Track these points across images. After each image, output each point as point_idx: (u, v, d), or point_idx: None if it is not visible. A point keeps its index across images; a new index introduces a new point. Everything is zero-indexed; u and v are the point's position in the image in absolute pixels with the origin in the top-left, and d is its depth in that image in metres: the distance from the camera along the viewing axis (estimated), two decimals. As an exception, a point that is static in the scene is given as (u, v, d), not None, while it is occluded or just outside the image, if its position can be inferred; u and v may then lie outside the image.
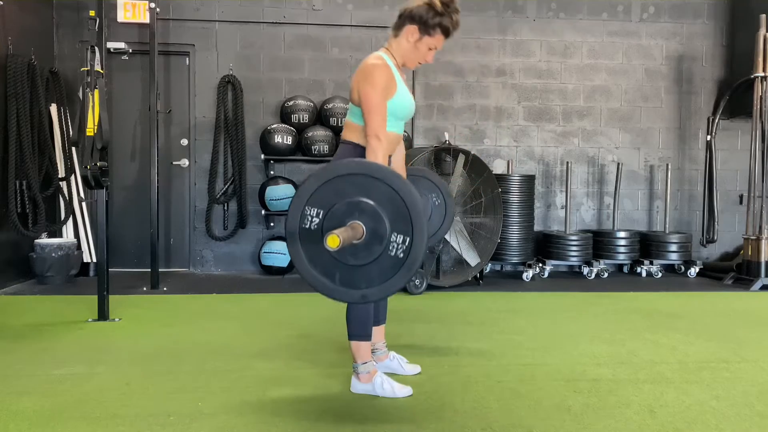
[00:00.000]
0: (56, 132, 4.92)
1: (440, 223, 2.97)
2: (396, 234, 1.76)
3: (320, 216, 1.80)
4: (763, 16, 5.05)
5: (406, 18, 2.30)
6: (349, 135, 2.33)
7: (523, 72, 5.73)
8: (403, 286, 1.78)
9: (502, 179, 5.09)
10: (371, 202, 1.78)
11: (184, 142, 5.50)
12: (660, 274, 5.41)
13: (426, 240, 1.75)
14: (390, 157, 2.38)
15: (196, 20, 5.40)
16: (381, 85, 2.19)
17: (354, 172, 1.79)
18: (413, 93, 5.57)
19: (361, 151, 2.27)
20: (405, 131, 5.33)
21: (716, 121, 5.68)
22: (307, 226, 1.81)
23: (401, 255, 1.76)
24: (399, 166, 2.56)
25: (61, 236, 5.06)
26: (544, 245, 5.51)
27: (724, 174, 5.86)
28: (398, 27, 2.33)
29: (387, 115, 2.22)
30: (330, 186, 1.80)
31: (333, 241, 1.61)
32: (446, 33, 2.30)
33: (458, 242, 4.66)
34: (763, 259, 4.97)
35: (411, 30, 2.29)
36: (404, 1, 2.34)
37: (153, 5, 4.67)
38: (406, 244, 1.76)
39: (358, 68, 2.27)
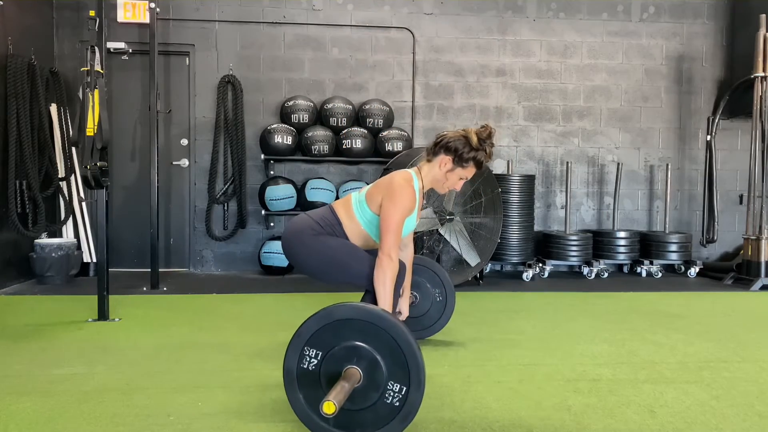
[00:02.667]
0: (56, 132, 4.92)
1: (437, 318, 3.09)
2: (393, 383, 1.78)
3: (319, 358, 1.82)
4: (763, 16, 5.05)
5: (441, 147, 2.38)
6: (341, 212, 2.41)
7: (523, 72, 5.73)
8: None
9: (502, 179, 5.09)
10: (370, 349, 1.79)
11: (184, 142, 5.50)
12: (660, 274, 5.41)
13: (423, 391, 1.77)
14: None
15: (196, 20, 5.40)
16: (405, 208, 2.28)
17: (355, 317, 1.81)
18: (413, 93, 5.57)
19: (341, 231, 2.38)
20: (405, 131, 5.34)
21: (716, 121, 5.69)
22: (306, 367, 1.83)
23: (397, 403, 1.78)
24: (406, 266, 2.66)
25: (61, 236, 5.06)
26: (544, 245, 5.51)
27: (724, 174, 5.86)
28: (433, 154, 2.41)
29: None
30: (330, 328, 1.82)
31: (329, 407, 1.63)
32: (479, 166, 2.39)
33: (458, 242, 4.66)
34: (763, 259, 4.97)
35: (445, 160, 2.37)
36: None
37: (153, 5, 4.67)
38: (403, 393, 1.77)
39: (386, 181, 2.35)
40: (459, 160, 2.35)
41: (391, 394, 1.78)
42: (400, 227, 2.26)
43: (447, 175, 2.39)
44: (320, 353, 1.82)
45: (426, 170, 2.42)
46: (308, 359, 1.83)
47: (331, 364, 1.81)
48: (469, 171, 2.39)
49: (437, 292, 3.08)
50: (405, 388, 1.77)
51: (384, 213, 2.27)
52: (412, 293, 2.97)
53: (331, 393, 1.67)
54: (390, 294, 2.22)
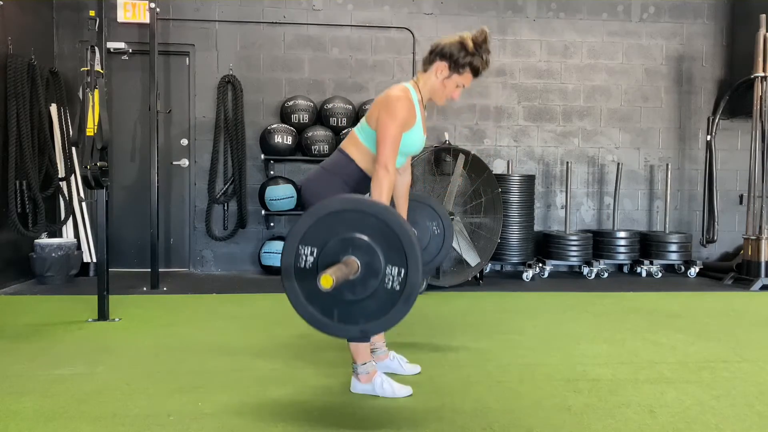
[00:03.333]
0: (56, 132, 4.92)
1: (437, 251, 3.00)
2: (391, 266, 1.77)
3: (314, 254, 1.81)
4: (763, 16, 5.05)
5: (437, 54, 2.31)
6: (350, 148, 2.35)
7: (523, 72, 5.73)
8: (404, 317, 1.78)
9: (502, 179, 5.09)
10: (364, 237, 1.79)
11: (184, 142, 5.50)
12: (660, 274, 5.41)
13: (421, 269, 1.76)
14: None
15: (196, 20, 5.40)
16: (401, 119, 2.21)
17: (345, 209, 1.80)
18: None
19: (354, 167, 2.32)
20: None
21: (716, 121, 5.68)
22: (302, 265, 1.82)
23: (398, 287, 1.77)
24: (403, 192, 2.59)
25: (61, 236, 5.05)
26: (544, 245, 5.51)
27: (724, 174, 5.86)
28: (428, 62, 2.34)
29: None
30: (323, 223, 1.81)
31: (326, 281, 1.62)
32: (476, 73, 2.31)
33: (458, 242, 4.66)
34: (763, 259, 4.97)
35: (441, 67, 2.30)
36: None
37: (153, 5, 4.67)
38: (402, 275, 1.77)
39: (382, 96, 2.29)
40: (455, 66, 2.27)
41: (391, 278, 1.78)
42: (396, 138, 2.20)
43: (444, 83, 2.32)
44: (315, 249, 1.80)
45: (423, 80, 2.36)
46: (304, 257, 1.81)
47: (327, 258, 1.80)
48: (466, 78, 2.31)
49: (434, 225, 3.00)
50: (403, 270, 1.77)
51: (380, 125, 2.21)
52: None
53: (328, 270, 1.66)
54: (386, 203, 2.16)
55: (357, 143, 2.34)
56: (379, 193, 2.15)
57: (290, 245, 1.82)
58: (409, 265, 1.76)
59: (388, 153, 2.18)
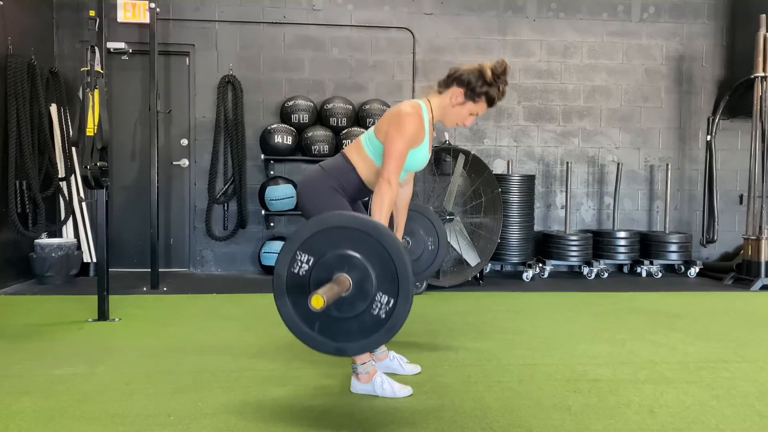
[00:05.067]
0: (56, 132, 4.92)
1: (427, 266, 3.05)
2: (381, 294, 1.77)
3: (310, 263, 1.81)
4: (763, 16, 5.05)
5: (454, 80, 2.32)
6: (353, 156, 2.36)
7: (523, 72, 5.73)
8: (380, 346, 1.79)
9: (502, 179, 5.09)
10: (362, 258, 1.78)
11: (184, 142, 5.50)
12: (660, 274, 5.41)
13: (410, 306, 1.75)
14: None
15: (196, 20, 5.40)
16: (410, 135, 2.22)
17: (349, 226, 1.80)
18: (413, 93, 5.57)
19: (355, 175, 2.33)
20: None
21: (716, 121, 5.68)
22: (296, 271, 1.82)
23: (383, 315, 1.77)
24: (403, 205, 2.61)
25: (61, 236, 5.05)
26: (544, 245, 5.51)
27: (724, 174, 5.86)
28: (444, 85, 2.35)
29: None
30: (324, 235, 1.81)
31: (317, 301, 1.62)
32: (491, 103, 2.32)
33: (458, 242, 4.66)
34: (763, 259, 4.97)
35: (457, 93, 2.31)
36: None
37: (153, 5, 4.67)
38: (390, 305, 1.76)
39: (394, 110, 2.29)
40: (471, 94, 2.28)
41: (379, 305, 1.77)
42: (403, 154, 2.21)
43: (457, 109, 2.33)
44: (312, 259, 1.80)
45: (436, 102, 2.36)
46: (299, 264, 1.82)
47: (321, 270, 1.80)
48: (480, 106, 2.32)
49: (430, 241, 3.04)
50: (393, 300, 1.76)
51: (388, 139, 2.21)
52: (405, 238, 2.93)
53: (320, 289, 1.66)
54: (386, 219, 2.17)
55: (361, 152, 2.35)
56: (380, 207, 2.16)
57: (289, 248, 1.82)
58: (399, 297, 1.76)
59: (393, 168, 2.19)
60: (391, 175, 2.18)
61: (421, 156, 2.33)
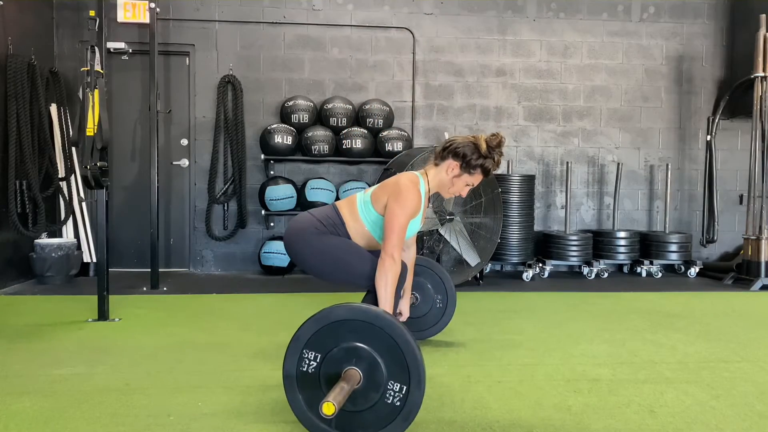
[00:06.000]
0: (56, 132, 4.92)
1: (434, 323, 3.09)
2: (393, 382, 1.77)
3: (318, 360, 1.81)
4: (763, 16, 5.05)
5: (449, 152, 2.37)
6: (346, 214, 2.40)
7: (523, 72, 5.73)
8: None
9: (502, 179, 5.09)
10: (369, 349, 1.79)
11: (184, 142, 5.50)
12: (660, 274, 5.41)
13: (424, 390, 1.76)
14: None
15: (196, 20, 5.40)
16: (410, 210, 2.26)
17: (353, 318, 1.80)
18: (413, 93, 5.58)
19: (343, 230, 2.37)
20: (405, 131, 5.34)
21: (716, 121, 5.68)
22: (305, 370, 1.82)
23: (398, 403, 1.77)
24: (409, 266, 2.67)
25: (61, 236, 5.05)
26: (544, 245, 5.51)
27: (724, 174, 5.86)
28: (440, 158, 2.40)
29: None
30: (328, 330, 1.81)
31: (328, 408, 1.62)
32: (486, 174, 2.38)
33: (458, 242, 4.66)
34: (763, 259, 4.97)
35: (452, 165, 2.36)
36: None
37: (153, 5, 4.67)
38: (403, 392, 1.77)
39: (392, 183, 2.33)
40: (467, 167, 2.34)
41: (392, 393, 1.77)
42: (404, 229, 2.25)
43: (453, 181, 2.38)
44: (319, 355, 1.81)
45: (433, 174, 2.42)
46: (307, 362, 1.82)
47: (330, 365, 1.80)
48: (476, 178, 2.38)
49: (438, 298, 3.09)
50: (405, 387, 1.77)
51: (389, 213, 2.25)
52: (413, 294, 2.97)
53: (330, 394, 1.66)
54: (391, 295, 2.21)
55: (354, 213, 2.40)
56: (385, 284, 2.20)
57: (295, 348, 1.83)
58: (411, 383, 1.76)
59: (396, 242, 2.22)
60: (395, 250, 2.22)
61: (415, 226, 2.41)
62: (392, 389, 1.78)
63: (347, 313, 1.82)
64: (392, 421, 1.78)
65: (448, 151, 2.37)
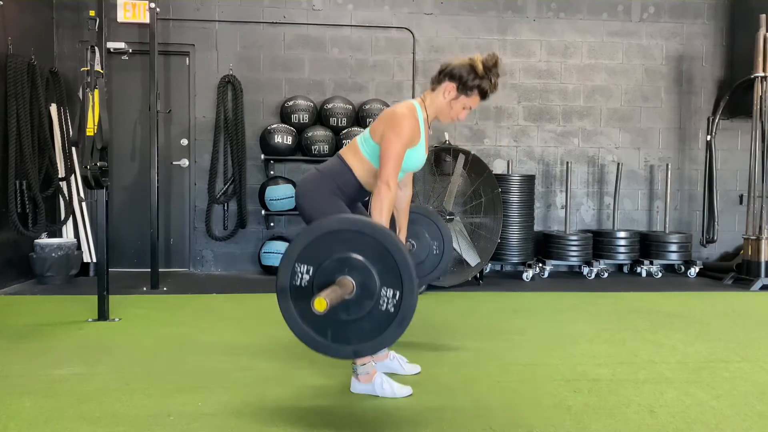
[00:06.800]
0: (56, 132, 4.92)
1: (431, 269, 3.02)
2: (386, 288, 1.78)
3: (310, 273, 1.81)
4: (763, 16, 5.05)
5: (446, 75, 2.33)
6: (350, 158, 2.36)
7: (523, 72, 5.73)
8: (397, 339, 1.79)
9: (502, 179, 5.09)
10: (360, 258, 1.79)
11: (184, 142, 5.50)
12: (660, 274, 5.41)
13: (416, 293, 1.76)
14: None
15: (196, 20, 5.40)
16: (406, 137, 2.22)
17: (343, 229, 1.80)
18: (413, 93, 5.57)
19: (351, 176, 2.33)
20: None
21: (716, 121, 5.68)
22: (298, 283, 1.83)
23: (392, 309, 1.78)
24: (403, 206, 2.60)
25: (61, 236, 5.05)
26: (544, 245, 5.51)
27: (724, 174, 5.86)
28: (437, 82, 2.36)
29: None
30: (319, 242, 1.81)
31: (320, 304, 1.63)
32: (483, 96, 2.33)
33: (458, 242, 4.66)
34: (763, 259, 4.97)
35: (449, 87, 2.32)
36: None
37: (153, 5, 4.67)
38: (397, 297, 1.77)
39: (388, 112, 2.30)
40: (463, 88, 2.29)
41: (386, 300, 1.78)
42: (400, 156, 2.21)
43: (451, 104, 2.34)
44: (311, 268, 1.81)
45: (430, 99, 2.37)
46: (300, 275, 1.82)
47: (323, 276, 1.80)
48: (474, 100, 2.33)
49: (435, 245, 3.02)
50: (398, 293, 1.77)
51: (385, 142, 2.22)
52: (409, 241, 2.91)
53: (322, 293, 1.67)
54: (386, 221, 2.17)
55: (358, 154, 2.35)
56: (380, 209, 2.16)
57: (287, 264, 1.83)
58: (404, 288, 1.76)
59: (391, 170, 2.19)
60: (390, 177, 2.18)
61: (418, 156, 2.33)
62: (385, 295, 1.78)
63: (337, 224, 1.82)
64: (387, 328, 1.78)
65: (444, 73, 2.33)
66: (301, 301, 1.82)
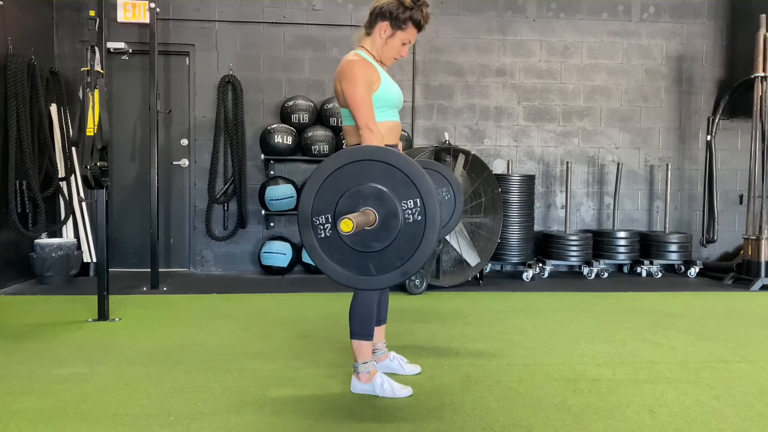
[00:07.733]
0: (56, 132, 4.92)
1: (449, 216, 2.92)
2: (405, 201, 1.78)
3: (329, 220, 1.82)
4: (763, 16, 5.05)
5: (377, 15, 2.34)
6: (350, 140, 2.36)
7: (523, 72, 5.73)
8: (435, 242, 1.77)
9: (502, 179, 5.09)
10: (370, 184, 1.79)
11: (184, 142, 5.50)
12: (660, 274, 5.41)
13: (435, 194, 1.76)
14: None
15: (196, 20, 5.40)
16: (362, 80, 2.22)
17: (339, 165, 1.81)
18: (413, 93, 5.57)
19: None
20: (404, 131, 5.33)
21: (716, 121, 5.68)
22: (323, 235, 1.83)
23: (419, 217, 1.78)
24: None
25: (61, 236, 5.05)
26: (544, 245, 5.51)
27: (724, 174, 5.86)
28: (370, 25, 2.37)
29: (375, 107, 2.24)
30: (325, 188, 1.82)
31: (346, 225, 1.63)
32: (418, 26, 2.34)
33: (458, 242, 4.66)
34: (763, 259, 4.97)
35: (383, 27, 2.33)
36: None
37: (153, 5, 4.67)
38: (419, 205, 1.78)
39: (337, 70, 2.30)
40: (396, 22, 2.30)
41: (409, 211, 1.79)
42: (366, 99, 2.21)
43: (388, 42, 2.34)
44: (329, 215, 1.82)
45: (369, 44, 2.38)
46: (322, 227, 1.83)
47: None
48: (410, 33, 2.34)
49: (444, 190, 2.96)
50: (419, 200, 1.78)
51: (347, 94, 2.22)
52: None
53: (345, 216, 1.68)
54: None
55: (351, 131, 2.34)
56: None
57: (305, 223, 1.83)
58: (422, 194, 1.76)
59: (365, 115, 2.19)
60: (367, 121, 2.19)
61: (391, 89, 2.33)
62: (408, 207, 1.79)
63: (334, 162, 1.82)
64: (423, 235, 1.78)
65: (375, 14, 2.35)
66: (333, 249, 1.82)
